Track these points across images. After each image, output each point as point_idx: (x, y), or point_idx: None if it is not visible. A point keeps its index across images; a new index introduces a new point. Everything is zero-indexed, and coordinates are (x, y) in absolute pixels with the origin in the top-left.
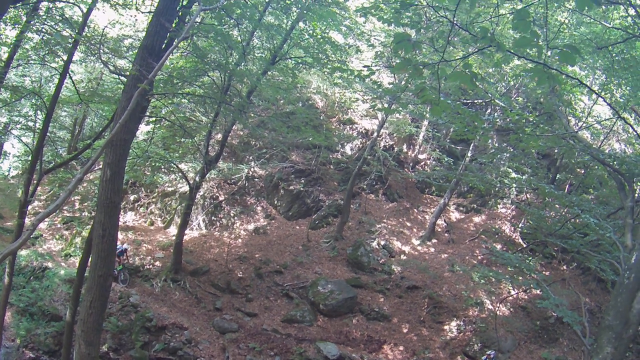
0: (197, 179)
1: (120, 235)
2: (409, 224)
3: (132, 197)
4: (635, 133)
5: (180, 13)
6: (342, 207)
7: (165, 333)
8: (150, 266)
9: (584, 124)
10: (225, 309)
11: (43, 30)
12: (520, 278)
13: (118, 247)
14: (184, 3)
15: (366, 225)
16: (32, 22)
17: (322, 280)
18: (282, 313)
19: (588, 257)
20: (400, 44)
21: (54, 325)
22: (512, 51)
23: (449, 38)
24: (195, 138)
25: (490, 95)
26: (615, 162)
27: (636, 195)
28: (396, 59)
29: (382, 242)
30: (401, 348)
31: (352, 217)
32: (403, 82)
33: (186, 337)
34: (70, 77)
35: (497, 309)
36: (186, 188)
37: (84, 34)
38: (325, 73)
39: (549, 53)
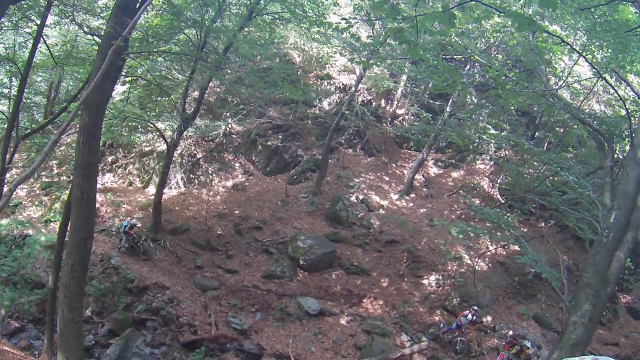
0: (175, 137)
1: (100, 197)
2: (387, 179)
3: (109, 159)
4: (616, 94)
5: None
6: (320, 162)
7: (147, 293)
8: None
9: (565, 83)
10: (206, 266)
11: None
12: (499, 234)
13: (125, 222)
14: None
15: (344, 180)
16: None
17: (301, 235)
18: (262, 269)
19: (566, 215)
20: None
21: (37, 292)
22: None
23: None
24: (171, 96)
25: (469, 51)
26: (595, 122)
27: (615, 155)
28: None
29: (361, 197)
30: (381, 302)
31: (331, 172)
32: (381, 38)
33: (168, 297)
34: (45, 41)
35: (475, 264)
36: (164, 147)
37: None
38: (303, 28)
39: (530, 11)
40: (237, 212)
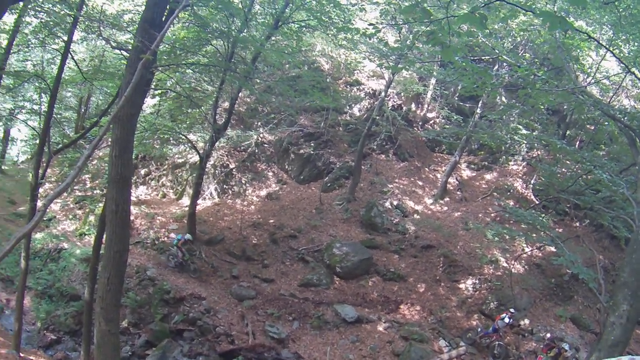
0: (207, 148)
1: (134, 210)
2: (420, 183)
3: (142, 171)
4: None
5: None
6: (353, 169)
7: (183, 304)
8: (165, 238)
9: (593, 79)
10: (242, 276)
11: (42, 11)
12: (534, 235)
13: (178, 236)
14: None
15: (378, 186)
16: (29, 6)
17: (337, 243)
18: (298, 277)
19: (601, 213)
20: None
21: (73, 305)
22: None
23: None
24: (202, 107)
25: (497, 51)
26: (625, 118)
27: None
28: (401, 16)
29: (395, 202)
30: (418, 308)
31: (364, 178)
32: (408, 42)
33: (205, 307)
34: (72, 57)
35: (512, 266)
36: (196, 158)
37: (82, 12)
38: (330, 35)
39: (555, 7)
40: (271, 221)
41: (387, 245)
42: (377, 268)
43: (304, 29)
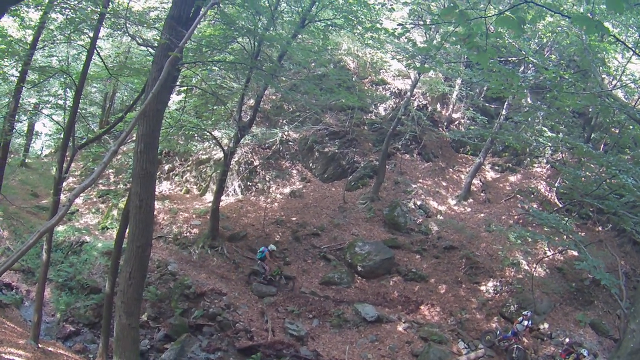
0: (231, 145)
1: (157, 205)
2: (444, 184)
3: (166, 167)
4: None
5: None
6: (378, 168)
7: (204, 299)
8: (188, 234)
9: (619, 82)
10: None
11: (68, 7)
12: (557, 238)
13: (261, 249)
14: None
15: (402, 186)
16: (55, 3)
17: (359, 242)
18: (319, 275)
19: (624, 218)
20: None
21: (93, 297)
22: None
23: None
24: (227, 105)
25: (523, 52)
26: None
27: None
28: (429, 16)
29: (419, 202)
30: (438, 309)
31: (388, 177)
32: (435, 42)
33: (225, 303)
34: (98, 53)
35: (533, 269)
36: (220, 155)
37: (108, 9)
38: (356, 34)
39: (581, 9)
40: (294, 218)
41: (409, 245)
42: (398, 268)
43: (331, 27)
